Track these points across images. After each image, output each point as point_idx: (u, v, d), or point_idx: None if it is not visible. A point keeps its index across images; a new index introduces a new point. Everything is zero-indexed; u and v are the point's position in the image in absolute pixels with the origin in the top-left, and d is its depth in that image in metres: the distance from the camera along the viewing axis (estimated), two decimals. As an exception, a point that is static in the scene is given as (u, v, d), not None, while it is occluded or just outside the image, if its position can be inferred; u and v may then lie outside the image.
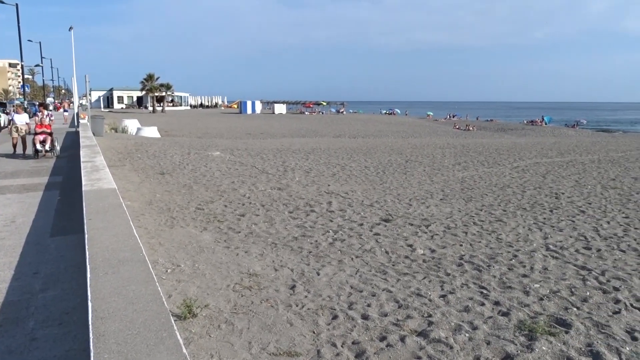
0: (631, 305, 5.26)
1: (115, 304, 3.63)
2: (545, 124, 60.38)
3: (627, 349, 4.28)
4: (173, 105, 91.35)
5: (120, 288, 3.95)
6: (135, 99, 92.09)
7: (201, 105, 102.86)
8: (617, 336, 4.51)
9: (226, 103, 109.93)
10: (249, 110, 79.35)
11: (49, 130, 16.84)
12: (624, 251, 7.23)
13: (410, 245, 7.39)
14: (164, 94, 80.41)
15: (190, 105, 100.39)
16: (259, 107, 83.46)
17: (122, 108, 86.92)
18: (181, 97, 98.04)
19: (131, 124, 33.10)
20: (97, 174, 10.20)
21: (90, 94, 69.22)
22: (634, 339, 4.47)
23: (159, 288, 3.99)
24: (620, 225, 8.82)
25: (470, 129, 49.50)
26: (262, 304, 5.13)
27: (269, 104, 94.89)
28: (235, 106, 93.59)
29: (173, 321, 3.38)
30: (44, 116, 16.90)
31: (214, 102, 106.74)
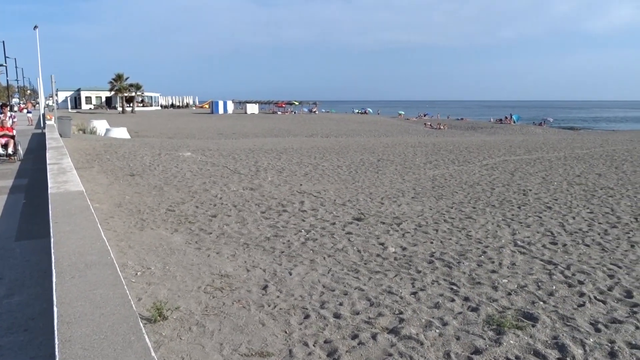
0: (595, 298, 5.41)
1: (81, 309, 3.56)
2: (514, 122, 61.57)
3: (591, 340, 4.40)
4: (143, 106, 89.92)
5: (87, 292, 3.87)
6: (104, 99, 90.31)
7: (172, 105, 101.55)
8: (582, 328, 4.64)
9: (197, 103, 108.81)
10: (221, 110, 78.69)
11: (10, 133, 16.22)
12: (588, 245, 7.43)
13: (382, 244, 7.45)
14: (133, 94, 79.11)
15: (161, 106, 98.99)
16: (230, 107, 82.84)
17: (90, 109, 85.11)
18: (151, 97, 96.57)
19: (100, 125, 32.47)
20: (64, 176, 9.97)
21: (56, 95, 67.60)
22: (598, 330, 4.61)
23: (127, 291, 3.93)
24: (585, 220, 9.06)
25: (441, 127, 50.15)
26: (233, 305, 5.10)
27: (241, 104, 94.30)
28: (207, 106, 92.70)
29: (142, 324, 3.33)
30: (6, 118, 16.38)
31: (185, 102, 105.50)
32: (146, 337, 3.11)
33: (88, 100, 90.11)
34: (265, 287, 5.63)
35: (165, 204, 10.01)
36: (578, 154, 20.41)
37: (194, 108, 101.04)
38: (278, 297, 5.36)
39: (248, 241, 7.53)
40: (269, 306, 5.09)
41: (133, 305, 3.63)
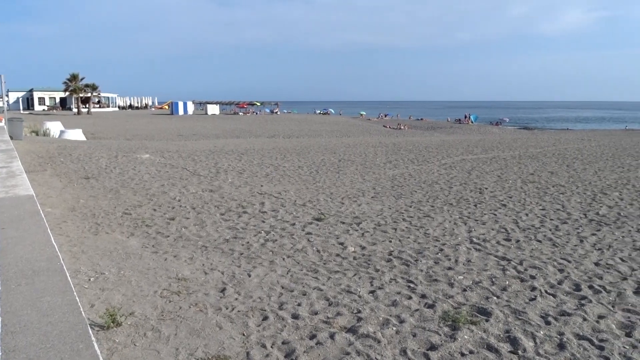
0: (546, 291, 5.59)
1: (27, 317, 3.43)
2: (472, 122, 62.94)
3: (541, 333, 4.54)
4: (100, 107, 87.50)
5: (34, 300, 3.74)
6: (58, 100, 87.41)
7: (130, 106, 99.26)
8: (533, 321, 4.78)
9: (157, 104, 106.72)
10: (181, 111, 77.40)
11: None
12: (540, 241, 7.67)
13: (342, 243, 7.49)
14: (89, 94, 76.84)
15: (119, 107, 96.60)
16: (191, 107, 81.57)
17: (43, 110, 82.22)
18: (108, 98, 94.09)
19: (54, 127, 31.42)
20: (13, 180, 9.61)
21: (7, 95, 65.06)
22: (548, 323, 4.76)
23: (78, 298, 3.81)
24: (538, 217, 9.35)
25: (402, 127, 50.81)
26: (190, 308, 5.03)
27: (201, 105, 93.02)
28: (167, 107, 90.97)
29: (91, 332, 3.24)
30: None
31: (143, 103, 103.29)
32: (95, 345, 3.03)
33: (41, 101, 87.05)
34: (223, 290, 5.57)
35: (122, 207, 9.77)
36: (532, 153, 21.05)
37: (153, 109, 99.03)
38: (236, 299, 5.32)
39: (206, 244, 7.44)
40: (227, 309, 5.04)
41: (83, 312, 3.53)
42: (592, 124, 70.39)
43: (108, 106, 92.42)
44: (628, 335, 4.54)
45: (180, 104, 78.99)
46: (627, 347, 4.30)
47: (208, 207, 10.00)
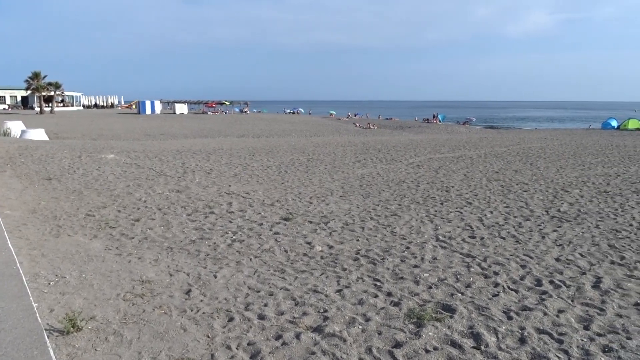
0: (508, 287, 5.71)
1: (-20, 324, 3.32)
2: (440, 121, 63.82)
3: (504, 328, 4.64)
4: (64, 106, 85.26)
5: (-13, 306, 3.61)
6: (19, 99, 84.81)
7: (95, 105, 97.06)
8: (495, 317, 4.87)
9: (123, 103, 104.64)
10: (148, 111, 76.07)
11: None
12: (504, 238, 7.83)
13: (309, 243, 7.48)
14: (52, 93, 74.81)
15: (84, 106, 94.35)
16: (158, 107, 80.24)
17: (4, 109, 79.68)
18: (73, 96, 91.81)
19: (14, 126, 30.44)
20: (-31, 181, 9.27)
21: (-35, 94, 62.88)
22: (510, 318, 4.86)
23: (34, 303, 3.70)
24: (502, 214, 9.54)
25: (371, 127, 51.13)
26: (154, 311, 4.94)
27: (169, 104, 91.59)
28: (134, 106, 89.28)
29: (47, 338, 3.15)
30: None
31: (109, 102, 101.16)
32: (51, 351, 2.94)
33: (1, 99, 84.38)
34: (188, 292, 5.50)
35: (85, 209, 9.54)
36: (497, 152, 21.48)
37: (119, 108, 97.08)
38: (202, 301, 5.25)
39: (172, 245, 7.33)
40: (192, 311, 4.97)
41: (38, 318, 3.43)
42: (556, 123, 72.30)
43: (72, 105, 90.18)
44: (586, 328, 4.67)
45: (148, 103, 77.64)
46: (585, 339, 4.42)
47: (174, 207, 9.86)
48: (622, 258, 6.80)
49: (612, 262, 6.62)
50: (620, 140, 28.25)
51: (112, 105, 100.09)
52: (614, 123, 44.10)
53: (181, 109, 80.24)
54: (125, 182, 12.66)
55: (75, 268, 6.16)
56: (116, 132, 38.67)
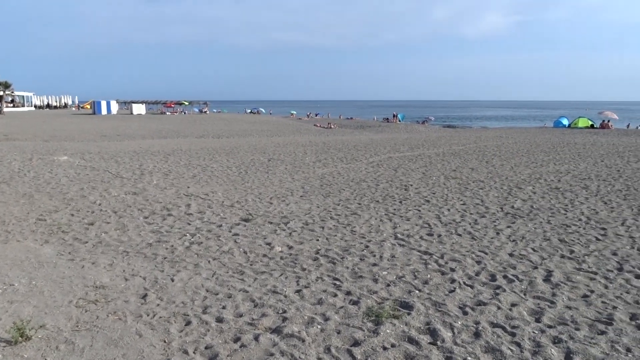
0: (464, 283, 5.84)
1: None
2: (399, 121, 64.62)
3: (459, 323, 4.74)
4: (14, 106, 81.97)
5: None
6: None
7: (48, 105, 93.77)
8: (452, 312, 4.98)
9: (78, 103, 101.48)
10: (104, 111, 73.99)
11: None
12: (460, 235, 8.00)
13: (269, 244, 7.45)
14: (1, 93, 71.89)
15: (35, 106, 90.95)
16: (115, 107, 78.14)
17: (-51, 110, 76.00)
18: (23, 96, 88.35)
19: (-40, 128, 29.08)
20: None
21: None
22: (465, 313, 4.97)
23: (-22, 312, 3.54)
24: (459, 211, 9.75)
25: (332, 126, 51.33)
26: (108, 317, 4.81)
27: (126, 104, 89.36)
28: (88, 106, 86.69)
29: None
30: None
31: (63, 102, 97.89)
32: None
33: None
34: (144, 296, 5.38)
35: (35, 213, 9.21)
36: (455, 150, 21.93)
37: (73, 108, 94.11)
38: (158, 305, 5.15)
39: (128, 249, 7.15)
40: (148, 315, 4.87)
41: (-18, 328, 3.28)
42: (511, 122, 74.37)
43: (23, 105, 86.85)
44: (537, 320, 4.82)
45: (103, 103, 75.55)
46: (537, 332, 4.57)
47: (131, 210, 9.63)
48: (572, 252, 7.06)
49: (562, 256, 6.87)
50: (570, 138, 29.34)
51: (65, 106, 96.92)
52: (565, 122, 45.73)
53: (139, 109, 78.44)
54: (79, 185, 12.28)
55: (24, 275, 5.93)
56: (70, 133, 37.46)
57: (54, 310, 4.94)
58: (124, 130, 39.17)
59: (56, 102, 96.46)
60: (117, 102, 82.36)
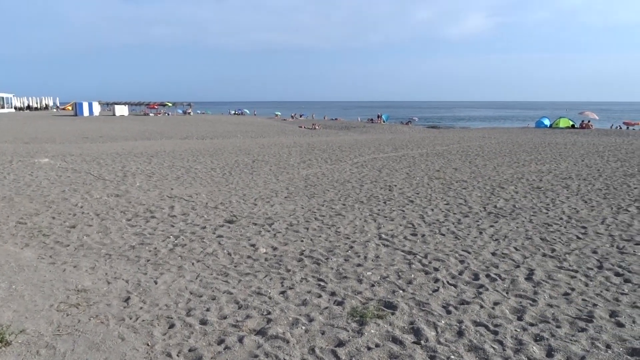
0: (448, 282, 5.88)
1: None
2: (384, 121, 64.87)
3: (443, 322, 4.77)
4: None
5: None
6: (-57, 101, 79.47)
7: (28, 107, 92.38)
8: (435, 312, 5.01)
9: (59, 104, 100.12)
10: (86, 113, 73.08)
11: None
12: (444, 235, 8.06)
13: (253, 245, 7.43)
14: (-20, 95, 70.64)
15: (15, 108, 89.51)
16: (97, 108, 77.21)
17: None
18: (3, 98, 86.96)
19: (-63, 130, 28.52)
20: None
21: None
22: (449, 312, 5.01)
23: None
24: (442, 211, 9.82)
25: (317, 127, 51.35)
26: (90, 321, 4.76)
27: (109, 105, 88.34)
28: (70, 108, 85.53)
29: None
30: None
31: (44, 103, 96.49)
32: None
33: None
34: (127, 299, 5.33)
35: (16, 217, 9.07)
36: (438, 151, 22.09)
37: (55, 110, 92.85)
38: (141, 308, 5.11)
39: (110, 251, 7.08)
40: (131, 319, 4.82)
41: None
42: (493, 123, 75.09)
43: (3, 107, 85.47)
44: (519, 319, 4.88)
45: (85, 105, 74.62)
46: (519, 330, 4.62)
47: (113, 212, 9.53)
48: (553, 250, 7.16)
49: (544, 255, 6.96)
50: (552, 138, 29.73)
51: (46, 107, 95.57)
52: (547, 122, 46.31)
53: (121, 110, 77.63)
54: (60, 188, 12.12)
55: (4, 279, 5.84)
56: (51, 135, 36.95)
57: (34, 314, 4.87)
58: (107, 131, 38.77)
59: (37, 103, 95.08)
60: (99, 103, 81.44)
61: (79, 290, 5.56)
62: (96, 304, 5.19)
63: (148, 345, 4.29)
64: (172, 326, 4.68)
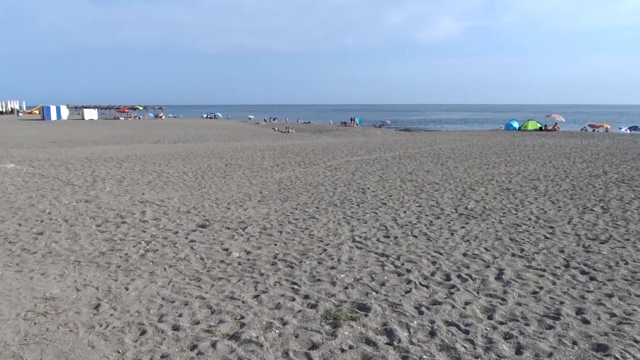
0: (420, 283, 5.96)
1: None
2: (357, 124, 65.23)
3: (415, 322, 4.83)
4: (-45, 112, 78.20)
5: None
6: None
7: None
8: (408, 313, 5.07)
9: (25, 108, 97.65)
10: (54, 116, 71.49)
11: None
12: (416, 236, 8.16)
13: (226, 249, 7.38)
14: (-58, 98, 68.35)
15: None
16: (65, 112, 75.62)
17: None
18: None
19: None
20: None
21: None
22: (421, 313, 5.08)
23: None
24: (414, 213, 9.93)
25: (290, 131, 51.33)
26: (59, 329, 4.66)
27: (77, 109, 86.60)
28: (37, 112, 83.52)
29: None
30: None
31: (9, 107, 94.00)
32: None
33: None
34: (97, 306, 5.24)
35: (-20, 224, 8.81)
36: (411, 153, 22.33)
37: (20, 114, 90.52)
38: (112, 315, 5.02)
39: (80, 258, 6.94)
40: (101, 326, 4.74)
41: None
42: (465, 125, 76.31)
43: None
44: (490, 318, 4.98)
45: (53, 109, 72.97)
46: (489, 328, 4.71)
47: (83, 218, 9.35)
48: (522, 250, 7.32)
49: (513, 255, 7.11)
50: (521, 140, 30.37)
51: (12, 111, 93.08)
52: (516, 124, 47.26)
53: (90, 114, 76.16)
54: (27, 193, 11.83)
55: (-32, 288, 5.67)
56: (17, 140, 36.02)
57: (0, 324, 4.74)
58: (75, 136, 38.01)
59: (2, 107, 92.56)
60: (67, 107, 79.80)
61: (47, 298, 5.44)
62: (65, 311, 5.09)
63: (119, 352, 4.23)
64: (143, 333, 4.62)
